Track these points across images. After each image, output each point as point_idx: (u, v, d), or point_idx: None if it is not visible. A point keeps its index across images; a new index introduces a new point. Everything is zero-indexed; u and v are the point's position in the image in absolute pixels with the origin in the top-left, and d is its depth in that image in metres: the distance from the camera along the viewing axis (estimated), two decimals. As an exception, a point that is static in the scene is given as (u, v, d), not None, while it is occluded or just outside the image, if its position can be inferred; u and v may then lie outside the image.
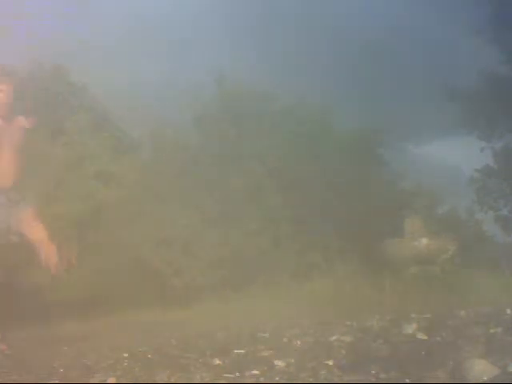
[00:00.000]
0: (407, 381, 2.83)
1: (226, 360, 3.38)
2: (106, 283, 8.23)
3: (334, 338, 3.71)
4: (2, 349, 4.41)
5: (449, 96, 13.30)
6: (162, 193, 9.40)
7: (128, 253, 8.77)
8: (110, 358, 3.61)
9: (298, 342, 3.72)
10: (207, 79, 10.79)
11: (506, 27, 12.88)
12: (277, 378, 3.01)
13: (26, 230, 4.63)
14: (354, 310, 5.05)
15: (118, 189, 9.46)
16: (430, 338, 3.50)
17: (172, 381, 3.06)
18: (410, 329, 3.72)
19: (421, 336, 3.58)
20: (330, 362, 3.19)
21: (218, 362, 3.36)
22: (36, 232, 4.65)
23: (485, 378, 2.75)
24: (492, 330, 3.44)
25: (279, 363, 3.23)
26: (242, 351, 3.56)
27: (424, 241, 7.80)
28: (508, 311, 3.87)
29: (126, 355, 3.63)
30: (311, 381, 2.94)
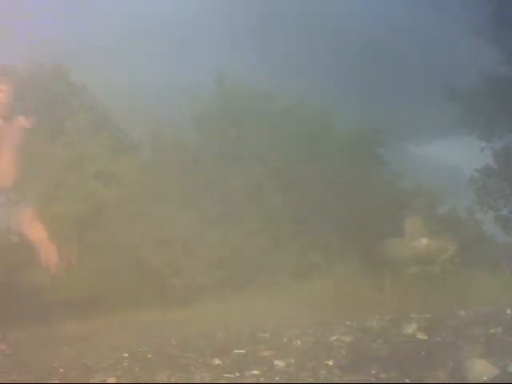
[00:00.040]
0: (407, 381, 2.83)
1: (225, 360, 3.38)
2: (105, 283, 8.23)
3: (334, 338, 3.71)
4: (1, 349, 4.41)
5: (449, 96, 13.30)
6: (162, 193, 9.40)
7: (128, 253, 8.77)
8: (110, 357, 3.61)
9: (298, 342, 3.72)
10: (207, 79, 10.80)
11: (506, 27, 12.87)
12: (277, 378, 3.01)
13: (25, 229, 4.63)
14: (354, 310, 5.05)
15: (118, 189, 9.46)
16: (430, 338, 3.50)
17: (172, 381, 3.06)
18: (410, 329, 3.72)
19: (421, 336, 3.58)
20: (330, 362, 3.19)
21: (218, 361, 3.36)
22: (36, 232, 4.64)
23: (485, 378, 2.75)
24: (492, 330, 3.44)
25: (279, 363, 3.23)
26: (242, 351, 3.56)
27: (424, 241, 7.79)
28: (508, 311, 3.87)
29: (126, 355, 3.63)
30: (311, 381, 2.94)
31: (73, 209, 8.95)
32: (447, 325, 3.74)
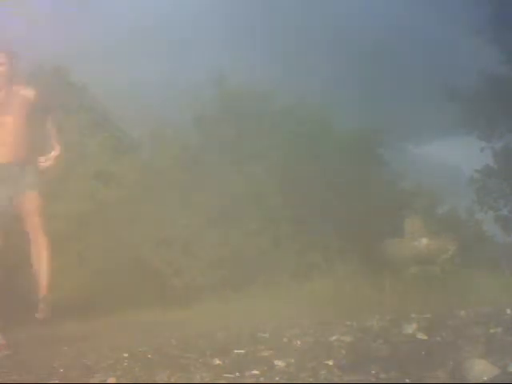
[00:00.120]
0: (407, 381, 2.82)
1: (226, 360, 3.38)
2: (106, 283, 8.23)
3: (334, 338, 3.71)
4: (2, 349, 4.41)
5: (449, 96, 13.31)
6: (162, 193, 9.40)
7: (128, 253, 8.78)
8: (110, 357, 3.60)
9: (298, 342, 3.71)
10: (207, 79, 10.81)
11: (506, 27, 12.89)
12: (277, 378, 3.00)
13: (24, 213, 4.58)
14: (354, 310, 5.05)
15: (118, 189, 9.46)
16: (430, 338, 3.50)
17: (172, 381, 3.05)
18: (410, 329, 3.72)
19: (421, 336, 3.58)
20: (330, 362, 3.18)
21: (218, 361, 3.35)
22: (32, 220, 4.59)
23: (485, 378, 2.75)
24: (492, 330, 3.44)
25: (279, 363, 3.23)
26: (242, 351, 3.55)
27: (424, 241, 7.79)
28: (508, 311, 3.87)
29: (126, 355, 3.62)
30: (311, 381, 2.94)
31: (73, 209, 8.95)
32: (447, 325, 3.73)
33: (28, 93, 4.72)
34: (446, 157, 24.71)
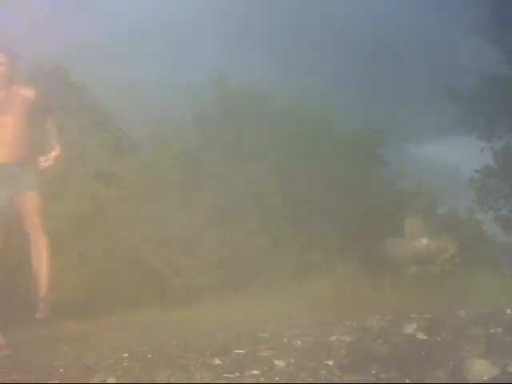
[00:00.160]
0: (407, 381, 2.82)
1: (226, 360, 3.38)
2: (106, 283, 8.23)
3: (334, 338, 3.71)
4: (1, 349, 4.41)
5: (449, 96, 13.32)
6: (162, 193, 9.40)
7: (128, 253, 8.78)
8: (110, 357, 3.60)
9: (298, 342, 3.71)
10: (207, 79, 10.81)
11: (506, 27, 12.89)
12: (277, 378, 3.00)
13: (24, 213, 4.58)
14: (354, 310, 5.05)
15: (118, 189, 9.46)
16: (430, 338, 3.50)
17: (172, 381, 3.05)
18: (410, 329, 3.72)
19: (421, 336, 3.58)
20: (330, 362, 3.18)
21: (218, 362, 3.35)
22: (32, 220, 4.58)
23: (485, 378, 2.75)
24: (492, 330, 3.44)
25: (279, 363, 3.23)
26: (242, 351, 3.55)
27: (424, 241, 7.79)
28: (508, 311, 3.86)
29: (126, 355, 3.62)
30: (311, 381, 2.94)
31: (73, 209, 8.95)
32: (447, 325, 3.73)
33: (28, 93, 4.72)
34: (445, 157, 24.72)
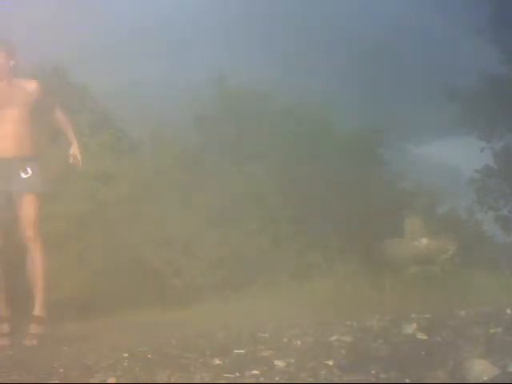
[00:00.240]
0: (407, 381, 2.82)
1: (226, 360, 3.38)
2: (106, 283, 8.22)
3: (334, 338, 3.70)
4: (2, 348, 4.41)
5: (449, 96, 13.33)
6: (162, 193, 9.39)
7: (128, 253, 8.77)
8: (110, 357, 3.60)
9: (298, 342, 3.71)
10: (207, 79, 10.81)
11: (506, 27, 12.90)
12: (277, 378, 3.00)
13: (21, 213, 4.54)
14: (354, 310, 5.04)
15: (118, 189, 9.45)
16: (430, 338, 3.50)
17: (172, 381, 3.05)
18: (409, 329, 3.72)
19: (421, 336, 3.57)
20: (330, 362, 3.18)
21: (218, 362, 3.35)
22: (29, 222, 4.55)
23: (485, 378, 2.75)
24: (492, 330, 3.44)
25: (279, 363, 3.22)
26: (242, 351, 3.55)
27: (424, 241, 7.79)
28: (508, 311, 3.86)
29: (126, 355, 3.62)
30: (311, 381, 2.94)
31: (73, 208, 8.94)
32: (447, 325, 3.73)
33: (30, 85, 4.68)
34: (445, 157, 24.72)
